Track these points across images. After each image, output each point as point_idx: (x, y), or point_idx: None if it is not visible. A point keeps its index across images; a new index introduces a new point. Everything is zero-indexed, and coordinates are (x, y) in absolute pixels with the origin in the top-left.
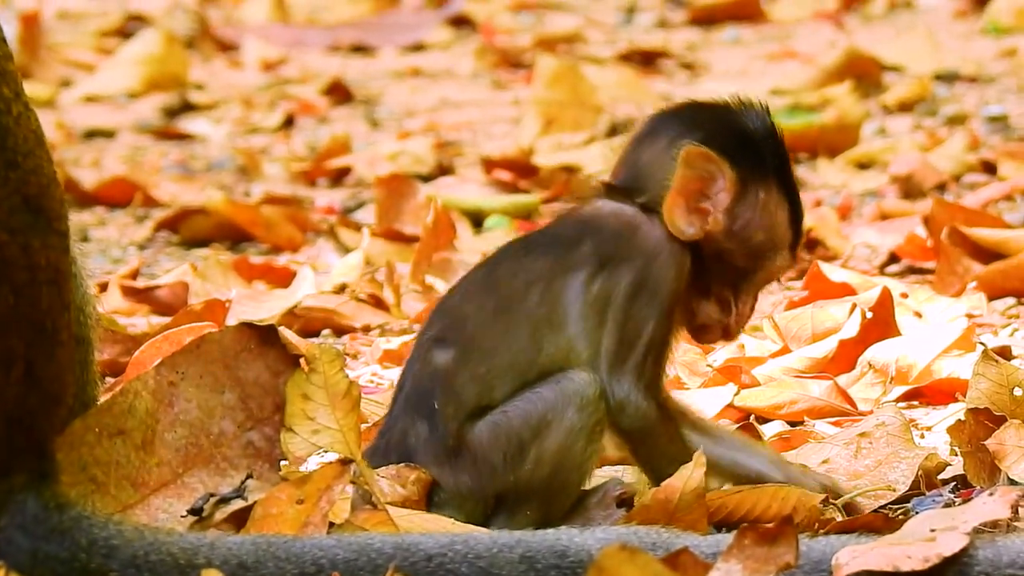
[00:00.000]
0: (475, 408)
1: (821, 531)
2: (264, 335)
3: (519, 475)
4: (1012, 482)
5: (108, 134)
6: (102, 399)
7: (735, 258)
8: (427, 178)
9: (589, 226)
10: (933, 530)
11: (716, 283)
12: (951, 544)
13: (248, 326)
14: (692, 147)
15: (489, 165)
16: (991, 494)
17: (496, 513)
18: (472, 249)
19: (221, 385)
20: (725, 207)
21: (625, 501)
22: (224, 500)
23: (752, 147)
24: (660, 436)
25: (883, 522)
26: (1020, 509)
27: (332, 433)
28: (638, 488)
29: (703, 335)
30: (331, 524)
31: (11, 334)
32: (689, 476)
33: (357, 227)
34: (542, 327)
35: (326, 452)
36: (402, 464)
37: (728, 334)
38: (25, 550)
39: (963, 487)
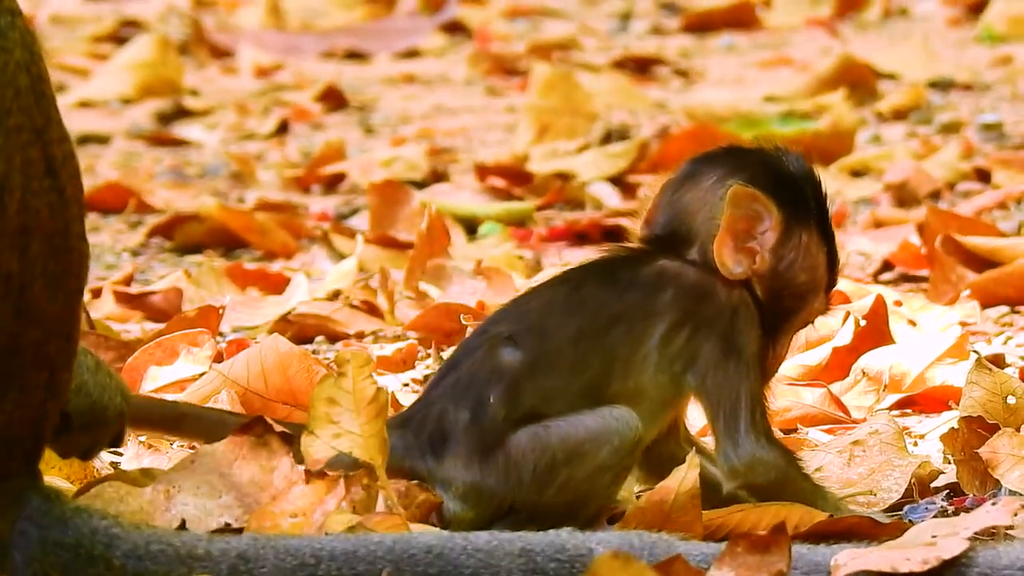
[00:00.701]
0: (525, 416)
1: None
2: (256, 439)
3: (543, 493)
4: (1011, 492)
5: (102, 140)
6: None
7: (777, 299)
8: (421, 184)
9: (667, 274)
10: (934, 536)
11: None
12: (951, 548)
13: (239, 433)
14: (739, 187)
15: (483, 172)
16: (994, 503)
17: (503, 520)
18: (466, 256)
19: (217, 492)
20: (771, 247)
21: (615, 518)
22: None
23: (795, 189)
24: (795, 478)
25: (876, 528)
26: (1019, 515)
27: (353, 438)
28: (627, 504)
29: None
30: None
31: (53, 339)
32: (684, 477)
33: (351, 233)
34: (617, 365)
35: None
36: (414, 482)
37: (765, 376)
38: (34, 538)
39: (956, 495)
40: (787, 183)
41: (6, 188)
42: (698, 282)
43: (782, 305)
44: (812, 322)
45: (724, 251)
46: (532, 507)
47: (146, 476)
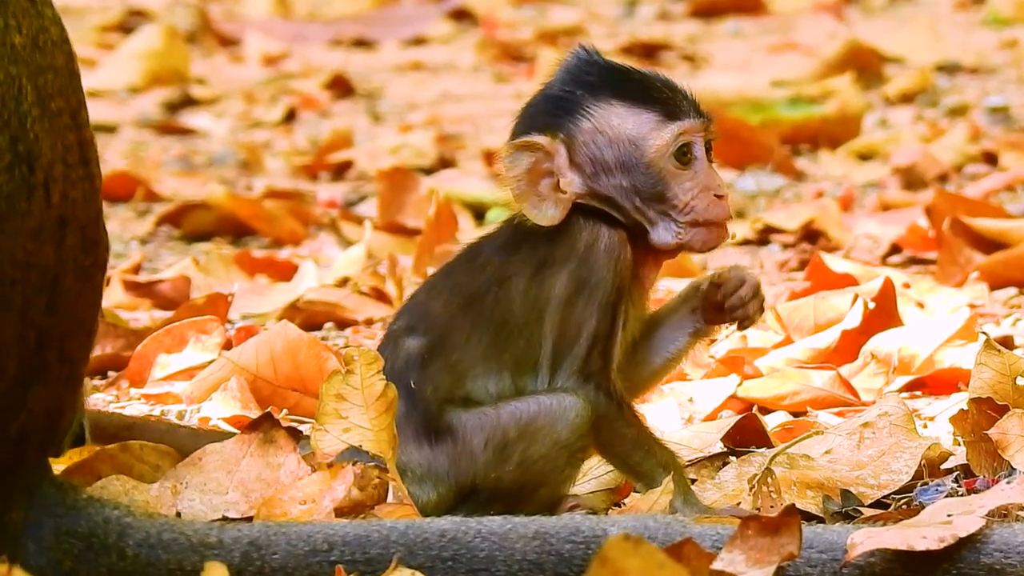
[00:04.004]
0: (450, 393)
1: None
2: (263, 436)
3: (499, 473)
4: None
5: (110, 129)
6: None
7: (622, 185)
8: (429, 171)
9: (520, 232)
10: (950, 515)
11: (640, 217)
12: (966, 526)
13: (246, 431)
14: (500, 150)
15: (491, 158)
16: (1009, 481)
17: (465, 503)
18: None
19: (224, 488)
20: (567, 165)
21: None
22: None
23: (556, 99)
24: (614, 422)
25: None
26: None
27: (363, 432)
28: (595, 505)
29: (706, 240)
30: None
31: (77, 334)
32: (655, 501)
33: (359, 220)
34: (501, 329)
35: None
36: (369, 463)
37: (700, 223)
38: (48, 528)
39: (966, 476)
40: (546, 100)
41: (51, 176)
42: (550, 228)
43: (633, 184)
44: (690, 148)
45: (532, 210)
46: (492, 486)
47: (153, 452)
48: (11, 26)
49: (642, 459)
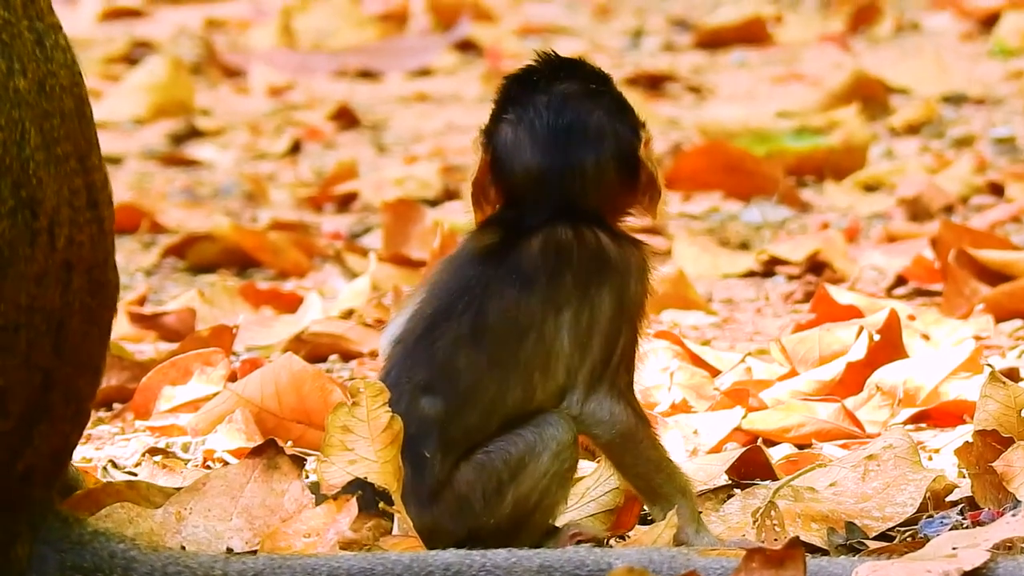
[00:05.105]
0: (460, 456)
1: None
2: (267, 462)
3: (496, 515)
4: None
5: (115, 161)
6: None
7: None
8: (434, 203)
9: (562, 256)
10: (955, 548)
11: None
12: (971, 559)
13: (251, 456)
14: (649, 139)
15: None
16: (1014, 514)
17: (462, 546)
18: None
19: (228, 514)
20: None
21: (582, 544)
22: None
23: (618, 98)
24: (641, 443)
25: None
26: None
27: (369, 464)
28: (597, 532)
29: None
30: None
31: (84, 373)
32: (660, 534)
33: (364, 252)
34: (534, 373)
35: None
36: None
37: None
38: (53, 563)
39: (971, 509)
40: (620, 98)
41: (56, 221)
42: (594, 253)
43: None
44: None
45: (667, 202)
46: (487, 528)
47: (159, 493)
48: (15, 70)
49: (663, 481)
